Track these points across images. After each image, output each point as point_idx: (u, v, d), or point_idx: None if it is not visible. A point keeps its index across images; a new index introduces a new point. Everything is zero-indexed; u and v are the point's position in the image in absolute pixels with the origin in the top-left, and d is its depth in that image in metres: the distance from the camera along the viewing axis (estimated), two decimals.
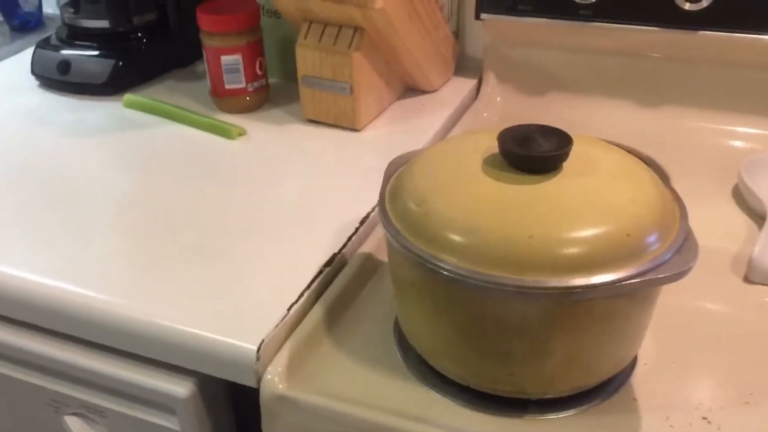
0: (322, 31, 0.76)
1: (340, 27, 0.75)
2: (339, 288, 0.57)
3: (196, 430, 0.56)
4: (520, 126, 0.48)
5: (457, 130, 0.82)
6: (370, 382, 0.51)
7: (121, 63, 0.89)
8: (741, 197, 0.68)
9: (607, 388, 0.49)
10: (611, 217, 0.43)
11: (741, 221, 0.66)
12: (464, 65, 0.92)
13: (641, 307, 0.46)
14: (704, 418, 0.47)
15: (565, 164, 0.47)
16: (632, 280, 0.42)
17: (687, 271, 0.43)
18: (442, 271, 0.43)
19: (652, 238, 0.44)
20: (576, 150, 0.47)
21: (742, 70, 0.79)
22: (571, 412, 0.48)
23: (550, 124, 0.84)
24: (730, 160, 0.72)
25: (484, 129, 0.51)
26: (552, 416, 0.47)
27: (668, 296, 0.57)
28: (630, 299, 0.44)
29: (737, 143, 0.78)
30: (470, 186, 0.46)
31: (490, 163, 0.47)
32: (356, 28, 0.74)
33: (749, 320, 0.55)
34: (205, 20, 0.79)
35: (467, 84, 0.89)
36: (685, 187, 0.71)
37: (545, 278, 0.41)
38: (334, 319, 0.56)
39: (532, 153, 0.46)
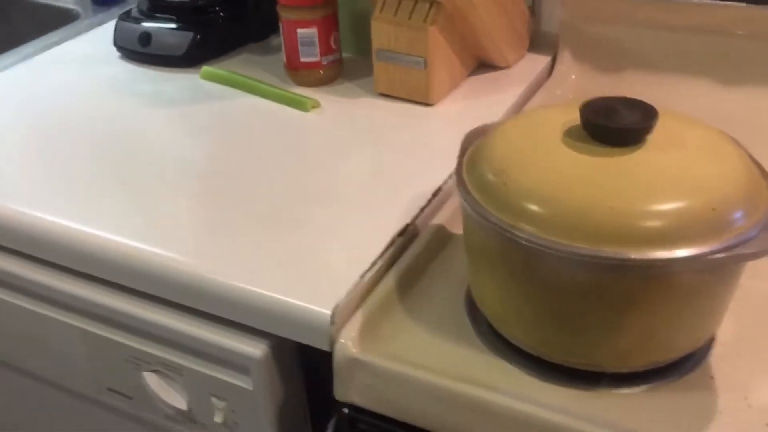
0: (398, 5, 0.76)
1: (416, 0, 0.75)
2: (411, 257, 0.58)
3: (268, 390, 0.58)
4: (603, 98, 0.48)
5: (530, 107, 0.82)
6: (441, 349, 0.51)
7: (199, 36, 0.91)
8: None
9: (685, 365, 0.49)
10: (696, 191, 0.43)
11: None
12: (539, 41, 0.91)
13: (723, 284, 0.45)
14: None
15: (649, 138, 0.46)
16: (716, 255, 0.41)
17: None
18: (519, 240, 0.43)
19: (738, 214, 0.43)
20: (661, 124, 0.46)
21: None
22: (645, 387, 0.47)
23: None
24: None
25: (564, 102, 0.50)
26: (625, 391, 0.47)
27: (750, 278, 0.56)
28: (712, 275, 0.43)
29: None
30: (550, 157, 0.46)
31: (571, 135, 0.47)
32: (432, 2, 0.74)
33: None
34: None
35: (542, 61, 0.88)
36: None
37: (625, 250, 0.41)
38: (406, 287, 0.56)
39: (615, 125, 0.45)
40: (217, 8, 0.94)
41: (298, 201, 0.65)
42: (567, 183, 0.44)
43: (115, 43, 0.94)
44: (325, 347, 0.53)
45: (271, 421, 0.59)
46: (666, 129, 0.47)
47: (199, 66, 0.89)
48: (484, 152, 0.49)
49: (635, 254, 0.41)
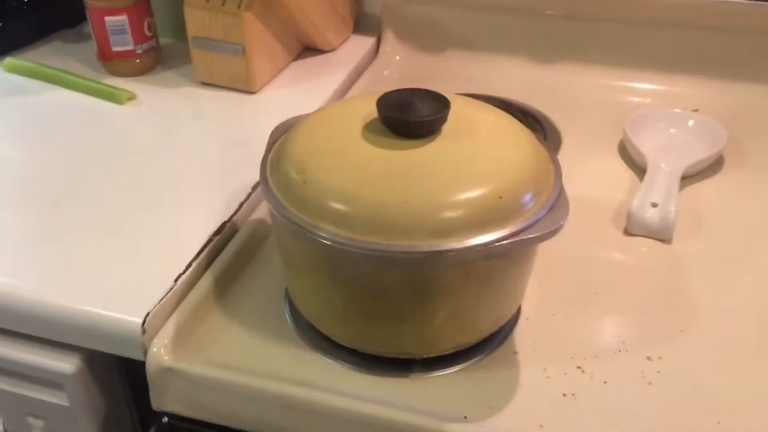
0: None
1: None
2: (229, 256, 0.57)
3: (86, 405, 0.55)
4: (399, 90, 0.48)
5: (356, 90, 0.82)
6: (260, 349, 0.51)
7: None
8: (626, 152, 0.71)
9: (491, 343, 0.51)
10: (484, 180, 0.44)
11: (626, 175, 0.69)
12: (364, 24, 0.91)
13: (518, 265, 0.47)
14: (579, 367, 0.49)
15: (444, 128, 0.47)
16: (503, 242, 0.43)
17: (557, 229, 0.44)
18: (319, 240, 0.43)
19: (525, 199, 0.45)
20: (456, 113, 0.48)
21: (633, 26, 0.81)
22: (454, 368, 0.49)
23: (450, 82, 0.86)
24: (620, 115, 0.74)
25: (369, 93, 0.50)
26: (436, 374, 0.49)
27: (552, 249, 0.59)
28: (505, 259, 0.45)
29: (628, 98, 0.80)
30: (348, 152, 0.46)
31: (370, 129, 0.47)
32: None
33: (626, 272, 0.58)
34: None
35: (366, 42, 0.88)
36: (577, 142, 0.74)
37: (420, 243, 0.42)
38: (224, 288, 0.55)
39: (408, 118, 0.46)
40: None
41: (111, 203, 0.62)
42: (363, 179, 0.44)
43: None
44: (140, 357, 0.51)
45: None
46: (461, 117, 0.48)
47: (1, 57, 0.82)
48: (286, 149, 0.48)
49: (427, 246, 0.42)
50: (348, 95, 0.81)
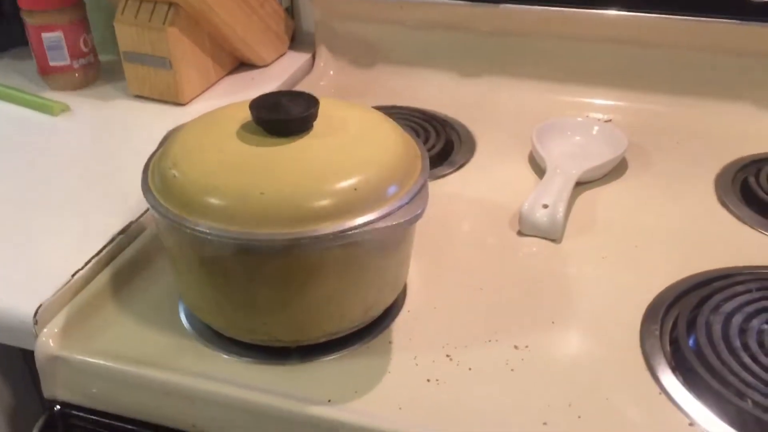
0: (139, 7, 0.77)
1: (156, 2, 0.76)
2: (131, 254, 0.60)
3: None
4: (272, 93, 0.51)
5: None
6: (150, 340, 0.53)
7: None
8: (534, 159, 0.73)
9: (369, 333, 0.53)
10: (341, 172, 0.47)
11: (531, 181, 0.71)
12: (301, 40, 0.95)
13: (380, 254, 0.50)
14: (447, 356, 0.51)
15: (316, 126, 0.50)
16: (355, 231, 0.45)
17: (413, 219, 0.47)
18: (182, 229, 0.46)
19: (388, 191, 0.47)
20: (330, 113, 0.51)
21: (552, 41, 0.84)
22: (329, 357, 0.51)
23: (379, 94, 0.89)
24: (533, 125, 0.77)
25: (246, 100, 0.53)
26: (311, 362, 0.51)
27: (445, 247, 0.62)
28: (365, 248, 0.48)
29: (546, 110, 0.83)
30: (219, 149, 0.49)
31: (247, 129, 0.50)
32: (171, 4, 0.76)
33: (512, 269, 0.60)
34: None
35: (301, 58, 0.92)
36: (490, 150, 0.77)
37: (275, 231, 0.45)
38: (122, 285, 0.58)
39: (276, 117, 0.49)
40: None
41: (26, 206, 0.65)
42: (227, 172, 0.47)
43: None
44: (32, 347, 0.53)
45: (4, 423, 0.59)
46: (333, 117, 0.51)
47: None
48: (167, 148, 0.51)
49: (279, 235, 0.44)
50: None
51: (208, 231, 0.45)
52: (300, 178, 0.46)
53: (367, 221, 0.46)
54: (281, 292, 0.47)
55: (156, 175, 0.50)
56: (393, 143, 0.50)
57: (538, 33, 0.84)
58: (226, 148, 0.49)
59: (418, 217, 0.47)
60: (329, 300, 0.49)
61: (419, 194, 0.49)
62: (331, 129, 0.50)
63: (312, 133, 0.50)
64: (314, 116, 0.50)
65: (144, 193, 0.49)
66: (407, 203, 0.48)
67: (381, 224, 0.46)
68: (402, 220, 0.47)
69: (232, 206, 0.45)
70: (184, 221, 0.46)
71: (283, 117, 0.49)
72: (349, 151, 0.49)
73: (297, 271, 0.46)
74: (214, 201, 0.46)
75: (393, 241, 0.50)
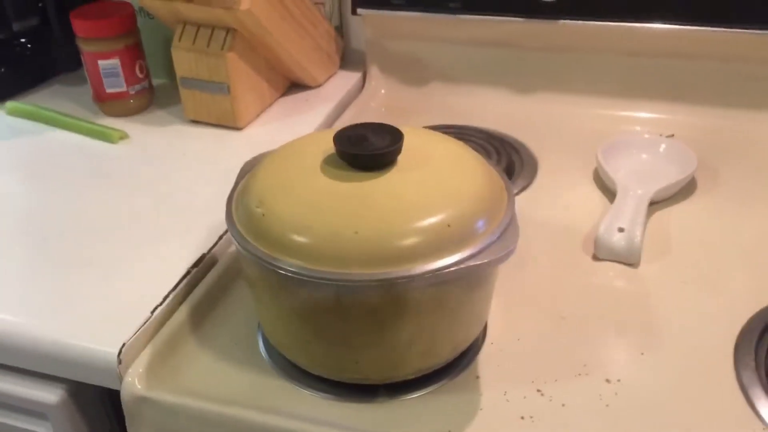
0: (196, 33, 0.77)
1: (213, 28, 0.76)
2: (206, 287, 0.59)
3: None
4: (355, 125, 0.51)
5: (341, 123, 0.84)
6: (233, 378, 0.53)
7: (2, 70, 0.88)
8: (600, 178, 0.72)
9: (456, 368, 0.52)
10: (434, 208, 0.46)
11: (599, 201, 0.70)
12: (351, 59, 0.94)
13: (472, 291, 0.49)
14: (538, 391, 0.50)
15: (400, 159, 0.49)
16: (452, 268, 0.44)
17: (507, 255, 0.46)
18: (276, 270, 0.45)
19: (476, 225, 0.46)
20: (413, 145, 0.50)
21: (609, 56, 0.83)
22: (417, 393, 0.51)
23: (432, 113, 0.88)
24: (597, 142, 0.75)
25: (332, 129, 0.53)
26: (400, 399, 0.50)
27: (520, 275, 0.61)
28: (458, 285, 0.47)
29: (605, 126, 0.82)
30: (305, 186, 0.48)
31: (329, 162, 0.50)
32: (228, 29, 0.75)
33: (592, 296, 0.59)
34: (79, 26, 0.79)
35: (352, 77, 0.91)
36: (553, 169, 0.76)
37: (370, 271, 0.44)
38: (200, 318, 0.58)
39: (361, 151, 0.48)
40: (22, 40, 0.91)
41: (97, 237, 0.65)
42: (317, 211, 0.46)
43: None
44: (117, 387, 0.53)
45: None
46: (416, 149, 0.50)
47: (5, 101, 0.86)
48: (249, 184, 0.51)
49: (376, 275, 0.43)
50: (333, 128, 0.83)
51: (302, 272, 0.44)
52: (392, 216, 0.45)
53: (462, 258, 0.45)
54: (374, 331, 0.47)
55: (240, 212, 0.49)
56: (480, 175, 0.50)
57: (592, 48, 0.83)
58: (312, 184, 0.48)
59: (510, 253, 0.46)
60: (420, 337, 0.48)
61: (509, 228, 0.48)
62: (416, 162, 0.49)
63: (397, 167, 0.49)
64: (400, 150, 0.49)
65: (231, 233, 0.49)
66: (498, 238, 0.47)
67: (475, 262, 0.45)
68: (495, 257, 0.46)
69: (324, 246, 0.45)
70: (277, 262, 0.45)
71: (369, 151, 0.48)
72: (437, 186, 0.48)
73: (391, 310, 0.46)
74: (305, 240, 0.45)
75: (483, 276, 0.49)
